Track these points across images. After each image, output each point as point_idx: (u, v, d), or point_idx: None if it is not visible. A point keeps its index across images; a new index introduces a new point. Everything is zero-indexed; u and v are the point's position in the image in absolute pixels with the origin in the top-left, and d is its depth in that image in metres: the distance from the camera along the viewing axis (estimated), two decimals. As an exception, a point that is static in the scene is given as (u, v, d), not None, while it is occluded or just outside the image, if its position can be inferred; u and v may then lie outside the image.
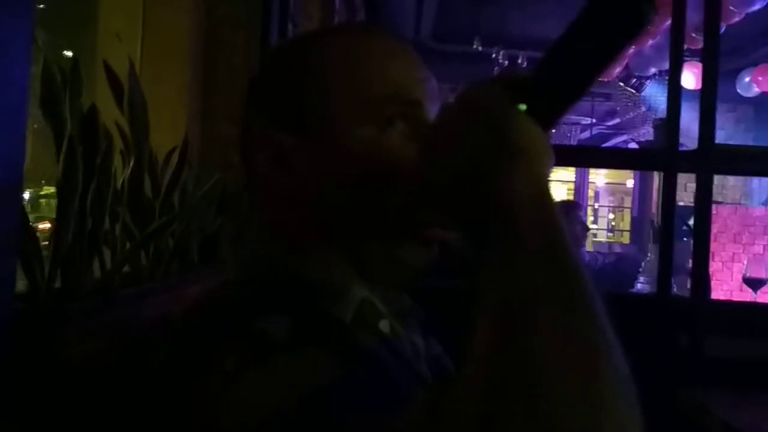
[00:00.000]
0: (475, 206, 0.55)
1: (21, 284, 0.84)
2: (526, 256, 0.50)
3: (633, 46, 5.39)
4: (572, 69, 0.56)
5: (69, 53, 1.54)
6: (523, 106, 0.57)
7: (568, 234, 0.52)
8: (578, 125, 9.69)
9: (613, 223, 13.60)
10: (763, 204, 7.49)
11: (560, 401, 0.42)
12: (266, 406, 0.50)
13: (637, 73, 6.35)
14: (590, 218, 12.21)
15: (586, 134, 9.95)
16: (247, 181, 0.74)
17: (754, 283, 2.76)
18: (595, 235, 12.34)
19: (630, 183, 10.96)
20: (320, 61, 0.71)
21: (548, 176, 0.57)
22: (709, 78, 1.77)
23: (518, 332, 0.46)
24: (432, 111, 0.71)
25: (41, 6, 1.44)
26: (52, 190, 0.97)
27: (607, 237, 12.88)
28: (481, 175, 0.55)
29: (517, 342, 0.45)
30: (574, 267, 0.49)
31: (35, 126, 1.22)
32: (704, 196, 1.76)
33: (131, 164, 1.11)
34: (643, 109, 7.00)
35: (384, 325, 0.66)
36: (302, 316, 0.59)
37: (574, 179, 11.53)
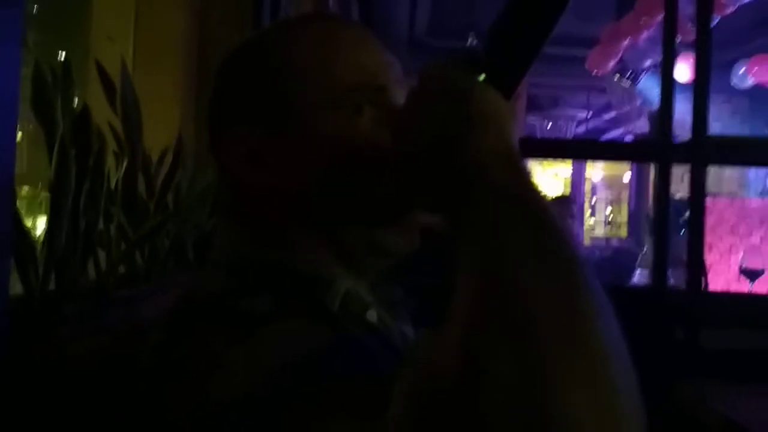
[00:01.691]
0: (448, 177, 0.56)
1: (15, 286, 0.84)
2: (500, 207, 0.51)
3: (627, 39, 5.39)
4: (521, 34, 0.59)
5: (61, 54, 1.54)
6: (482, 76, 0.60)
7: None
8: (574, 119, 9.69)
9: (610, 217, 13.61)
10: (759, 195, 7.50)
11: (546, 339, 0.42)
12: (255, 377, 0.51)
13: (631, 66, 6.35)
14: (587, 212, 12.22)
15: (582, 128, 9.95)
16: (221, 179, 0.74)
17: (751, 274, 2.76)
18: (593, 229, 12.35)
19: (627, 176, 10.97)
20: (284, 55, 0.70)
21: (514, 137, 0.58)
22: (702, 69, 1.77)
23: (500, 278, 0.46)
24: (399, 95, 0.71)
25: (33, 7, 1.44)
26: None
27: (605, 231, 12.89)
28: (450, 145, 0.56)
29: (500, 288, 0.45)
30: (547, 214, 0.50)
31: (30, 127, 1.23)
32: (698, 187, 1.76)
33: (125, 164, 1.11)
34: (639, 101, 6.99)
35: (371, 315, 0.67)
36: (286, 296, 0.61)
37: (570, 173, 11.53)
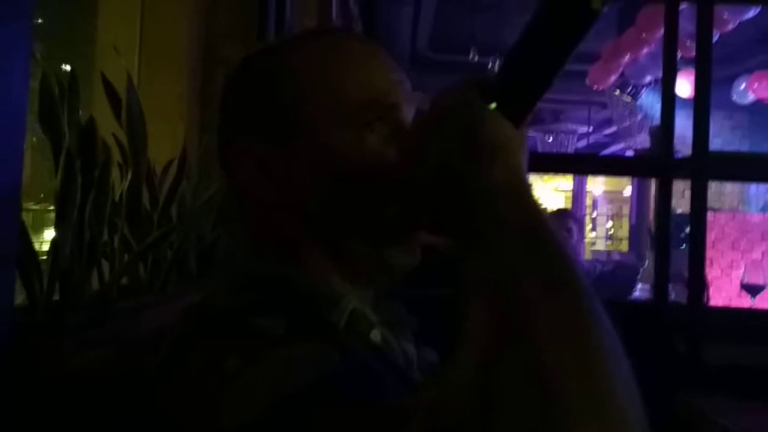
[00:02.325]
0: (455, 204, 0.57)
1: (20, 297, 0.85)
2: (509, 236, 0.51)
3: (628, 55, 5.41)
4: (534, 64, 0.59)
5: (67, 66, 1.54)
6: (493, 105, 0.60)
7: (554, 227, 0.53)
8: (575, 134, 9.71)
9: (611, 231, 13.60)
10: (760, 210, 7.49)
11: (557, 367, 0.42)
12: (266, 399, 0.51)
13: (632, 81, 6.37)
14: (588, 226, 12.21)
15: (584, 143, 9.97)
16: (229, 191, 0.74)
17: (752, 290, 2.76)
18: (593, 243, 12.33)
19: (628, 191, 10.97)
20: (295, 67, 0.70)
21: (524, 168, 0.59)
22: (702, 85, 1.78)
23: (510, 306, 0.46)
24: (408, 113, 0.72)
25: (39, 20, 1.45)
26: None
27: (606, 245, 12.88)
28: (460, 172, 0.57)
29: (510, 315, 0.46)
30: (557, 245, 0.51)
31: (34, 140, 1.23)
32: (699, 203, 1.77)
33: (129, 176, 1.11)
34: (639, 116, 7.01)
35: (375, 335, 0.67)
36: (298, 316, 0.60)
37: (571, 188, 11.53)
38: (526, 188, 0.56)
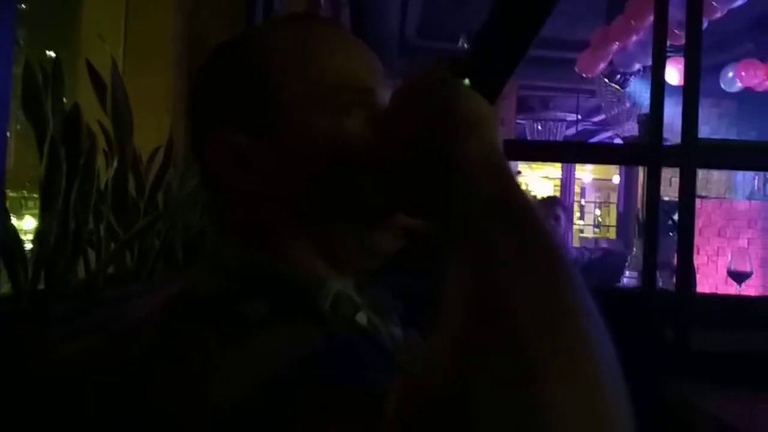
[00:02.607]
0: (432, 182, 0.57)
1: (4, 286, 0.84)
2: (485, 211, 0.51)
3: (617, 43, 5.42)
4: (504, 41, 0.60)
5: (51, 53, 1.53)
6: (466, 81, 0.60)
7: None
8: (563, 122, 9.73)
9: (599, 219, 13.67)
10: (747, 198, 7.55)
11: (535, 342, 0.42)
12: (251, 382, 0.51)
13: (621, 69, 6.39)
14: (576, 214, 12.26)
15: (572, 131, 9.99)
16: (205, 182, 0.73)
17: (738, 277, 2.78)
18: (581, 231, 12.40)
19: (616, 179, 11.02)
20: (269, 54, 0.70)
21: (498, 141, 0.59)
22: (691, 73, 1.79)
23: (488, 286, 0.46)
24: (384, 97, 0.71)
25: (23, 5, 1.43)
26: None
27: (594, 233, 12.94)
28: (434, 150, 0.56)
29: (488, 295, 0.45)
30: (533, 217, 0.50)
31: (18, 127, 1.22)
32: (688, 191, 1.77)
33: (115, 164, 1.10)
34: (628, 105, 7.03)
35: (361, 318, 0.67)
36: (281, 301, 0.61)
37: (560, 176, 11.57)
38: (503, 161, 0.56)
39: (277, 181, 0.67)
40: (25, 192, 1.30)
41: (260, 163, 0.67)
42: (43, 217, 0.88)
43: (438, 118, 0.57)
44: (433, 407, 0.42)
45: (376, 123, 0.66)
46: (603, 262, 4.60)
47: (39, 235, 0.88)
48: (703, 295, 2.96)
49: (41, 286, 0.89)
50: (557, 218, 3.71)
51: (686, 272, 1.78)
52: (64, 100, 0.95)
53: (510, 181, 0.54)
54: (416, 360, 0.47)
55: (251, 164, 0.67)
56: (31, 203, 1.26)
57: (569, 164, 10.38)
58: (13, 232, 0.85)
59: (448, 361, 0.43)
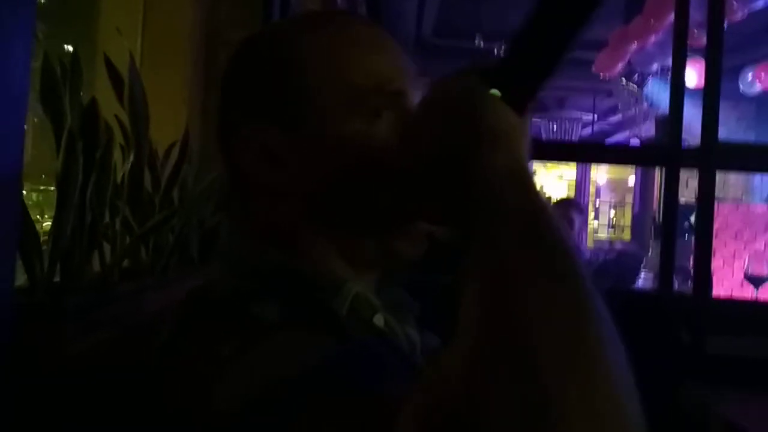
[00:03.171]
0: (457, 190, 0.56)
1: (20, 278, 0.84)
2: (508, 226, 0.50)
3: (635, 42, 5.38)
4: (539, 50, 0.59)
5: (69, 47, 1.53)
6: (496, 92, 0.59)
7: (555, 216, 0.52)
8: (580, 121, 9.69)
9: (614, 220, 13.59)
10: (764, 201, 7.48)
11: (551, 364, 0.41)
12: (260, 385, 0.50)
13: (639, 70, 6.35)
14: (591, 214, 12.20)
15: (588, 131, 9.95)
16: (230, 176, 0.73)
17: (755, 281, 2.75)
18: (596, 231, 12.34)
19: (631, 180, 10.95)
20: (302, 53, 0.69)
21: (526, 155, 0.58)
22: (712, 75, 1.77)
23: (504, 298, 0.45)
24: (415, 100, 0.71)
25: (41, 0, 1.44)
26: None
27: (608, 233, 12.88)
28: (461, 159, 0.56)
29: (504, 307, 0.45)
30: (557, 236, 0.50)
31: (35, 120, 1.22)
32: (706, 193, 1.76)
33: (131, 158, 1.10)
34: (645, 105, 6.99)
35: (378, 320, 0.66)
36: (297, 303, 0.60)
37: (575, 176, 11.52)
38: (528, 176, 0.55)
39: (301, 178, 0.67)
40: (41, 186, 1.31)
41: (287, 159, 0.67)
42: (60, 210, 0.89)
43: (465, 128, 0.57)
44: (448, 423, 0.42)
45: (402, 128, 0.66)
46: (618, 263, 4.58)
47: (55, 228, 0.88)
48: (720, 299, 2.93)
49: (57, 279, 0.89)
50: (571, 221, 3.69)
51: (704, 275, 1.76)
52: (82, 93, 0.95)
53: (534, 196, 0.53)
54: (433, 372, 0.47)
55: (279, 160, 0.67)
56: (39, 195, 1.27)
57: (584, 164, 10.34)
58: (30, 225, 0.85)
59: (463, 377, 0.43)
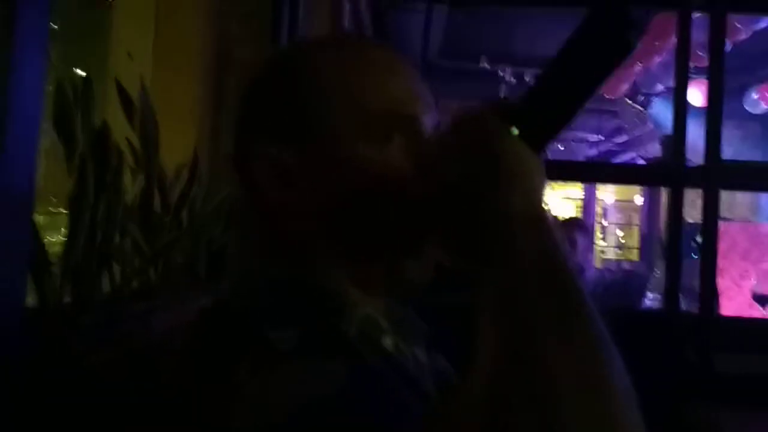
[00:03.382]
0: (471, 226, 0.57)
1: (31, 298, 0.85)
2: (523, 268, 0.51)
3: (640, 63, 5.40)
4: (561, 95, 0.59)
5: (80, 71, 1.55)
6: (515, 130, 0.59)
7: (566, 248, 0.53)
8: (585, 142, 9.69)
9: (621, 240, 13.53)
10: (772, 221, 7.44)
11: (567, 405, 0.43)
12: (274, 413, 0.51)
13: (644, 90, 6.35)
14: (598, 235, 12.15)
15: (594, 151, 9.94)
16: (245, 195, 0.74)
17: (763, 300, 2.74)
18: (603, 252, 12.28)
19: (638, 200, 10.91)
20: (318, 74, 0.70)
21: (542, 196, 0.59)
22: (715, 95, 1.78)
23: (521, 345, 0.47)
24: (428, 124, 0.71)
25: (54, 25, 1.46)
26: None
27: (616, 254, 12.82)
28: (477, 197, 0.57)
29: (521, 355, 0.46)
30: (572, 280, 0.51)
31: (47, 144, 1.24)
32: (711, 212, 1.76)
33: (141, 181, 1.12)
34: (650, 125, 6.98)
35: (386, 342, 0.66)
36: (310, 328, 0.60)
37: (582, 196, 11.49)
38: (544, 218, 0.56)
39: (313, 199, 0.68)
40: (51, 208, 1.32)
41: (301, 179, 0.68)
42: (71, 231, 0.90)
43: (483, 166, 0.57)
44: None
45: (419, 157, 0.67)
46: (624, 283, 4.56)
47: (66, 248, 0.89)
48: (727, 318, 2.92)
49: (67, 299, 0.90)
50: (573, 242, 3.67)
51: (710, 295, 1.76)
52: (94, 116, 0.97)
53: (551, 238, 0.54)
54: (448, 410, 0.48)
55: (291, 180, 0.68)
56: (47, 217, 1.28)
57: (591, 185, 10.32)
58: (40, 246, 0.86)
59: (480, 418, 0.44)
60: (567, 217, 5.79)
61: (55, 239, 1.19)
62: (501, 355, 0.47)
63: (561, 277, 0.51)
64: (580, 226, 4.03)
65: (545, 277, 0.51)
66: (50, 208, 1.33)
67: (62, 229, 0.94)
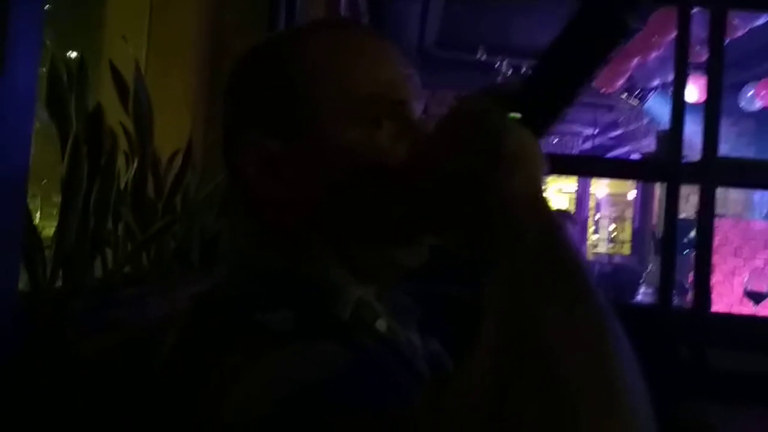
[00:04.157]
0: (473, 212, 0.57)
1: (23, 282, 0.84)
2: (527, 251, 0.51)
3: (637, 58, 5.40)
4: (560, 79, 0.59)
5: (74, 53, 1.54)
6: (515, 115, 0.59)
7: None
8: (580, 136, 9.70)
9: (613, 234, 13.58)
10: (764, 217, 7.48)
11: (573, 387, 0.42)
12: (270, 397, 0.50)
13: (640, 85, 6.36)
14: (591, 228, 12.20)
15: (588, 145, 9.95)
16: (232, 184, 0.73)
17: (755, 297, 2.75)
18: (595, 246, 12.33)
19: (631, 194, 10.95)
20: (303, 62, 0.69)
21: (542, 180, 0.59)
22: (713, 91, 1.78)
23: (525, 324, 0.46)
24: (417, 109, 0.71)
25: (48, 6, 1.44)
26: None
27: (608, 248, 12.86)
28: (478, 181, 0.56)
29: (525, 334, 0.46)
30: (575, 259, 0.51)
31: (37, 125, 1.23)
32: (707, 208, 1.76)
33: (135, 165, 1.11)
34: (646, 120, 7.00)
35: (380, 325, 0.66)
36: (304, 312, 0.60)
37: (575, 189, 11.52)
38: (546, 202, 0.56)
39: (303, 187, 0.67)
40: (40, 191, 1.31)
41: (288, 169, 0.67)
42: (64, 215, 0.89)
43: (483, 150, 0.57)
44: None
45: (412, 141, 0.66)
46: (615, 276, 4.58)
47: (59, 232, 0.89)
48: (719, 315, 2.93)
49: (59, 284, 0.90)
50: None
51: (703, 291, 1.76)
52: (88, 99, 0.96)
53: (554, 220, 0.54)
54: (450, 394, 0.47)
55: (280, 170, 0.67)
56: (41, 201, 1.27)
57: (584, 179, 10.34)
58: (32, 230, 0.85)
59: (483, 400, 0.44)
60: (557, 209, 5.83)
61: (45, 223, 1.18)
62: (506, 336, 0.47)
63: (565, 258, 0.51)
64: (570, 218, 4.04)
65: (550, 258, 0.51)
66: (38, 192, 1.32)
67: (54, 212, 0.93)
